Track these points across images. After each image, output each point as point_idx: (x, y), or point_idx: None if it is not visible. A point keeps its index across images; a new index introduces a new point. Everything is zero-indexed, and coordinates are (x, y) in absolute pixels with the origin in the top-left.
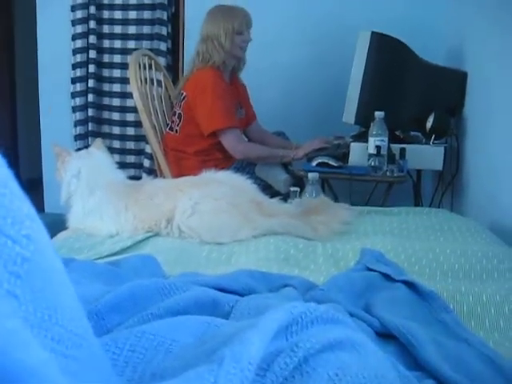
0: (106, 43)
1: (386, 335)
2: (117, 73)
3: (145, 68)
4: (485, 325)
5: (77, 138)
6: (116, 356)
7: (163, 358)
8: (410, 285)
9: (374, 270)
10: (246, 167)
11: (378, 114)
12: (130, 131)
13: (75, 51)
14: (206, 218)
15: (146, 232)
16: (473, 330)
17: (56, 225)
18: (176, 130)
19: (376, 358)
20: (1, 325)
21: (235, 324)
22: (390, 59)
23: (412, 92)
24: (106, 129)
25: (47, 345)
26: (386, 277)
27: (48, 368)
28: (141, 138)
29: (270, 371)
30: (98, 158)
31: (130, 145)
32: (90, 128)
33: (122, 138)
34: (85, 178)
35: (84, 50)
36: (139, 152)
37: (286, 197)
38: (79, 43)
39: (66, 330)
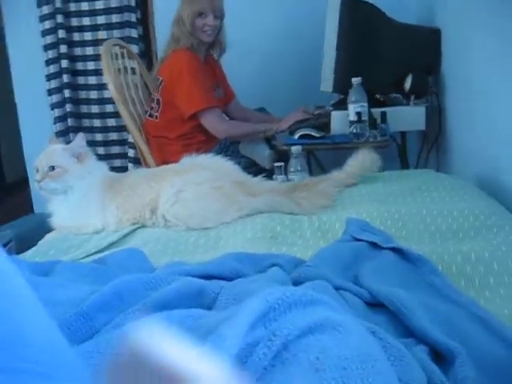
0: (76, 36)
1: (376, 305)
2: (91, 65)
3: (117, 57)
4: (475, 284)
5: (58, 134)
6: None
7: None
8: (398, 251)
9: (361, 240)
10: (229, 146)
11: (356, 80)
12: (111, 122)
13: (46, 47)
14: (190, 204)
15: (132, 224)
16: (463, 289)
17: (46, 225)
18: (156, 116)
19: (358, 337)
20: None
21: (214, 317)
22: (361, 23)
23: (387, 54)
24: (86, 123)
25: None
26: (373, 245)
27: None
28: (122, 129)
29: (249, 363)
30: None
31: (113, 136)
32: (70, 123)
33: (104, 130)
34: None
35: (55, 45)
36: (122, 142)
37: (271, 172)
38: (49, 39)
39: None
